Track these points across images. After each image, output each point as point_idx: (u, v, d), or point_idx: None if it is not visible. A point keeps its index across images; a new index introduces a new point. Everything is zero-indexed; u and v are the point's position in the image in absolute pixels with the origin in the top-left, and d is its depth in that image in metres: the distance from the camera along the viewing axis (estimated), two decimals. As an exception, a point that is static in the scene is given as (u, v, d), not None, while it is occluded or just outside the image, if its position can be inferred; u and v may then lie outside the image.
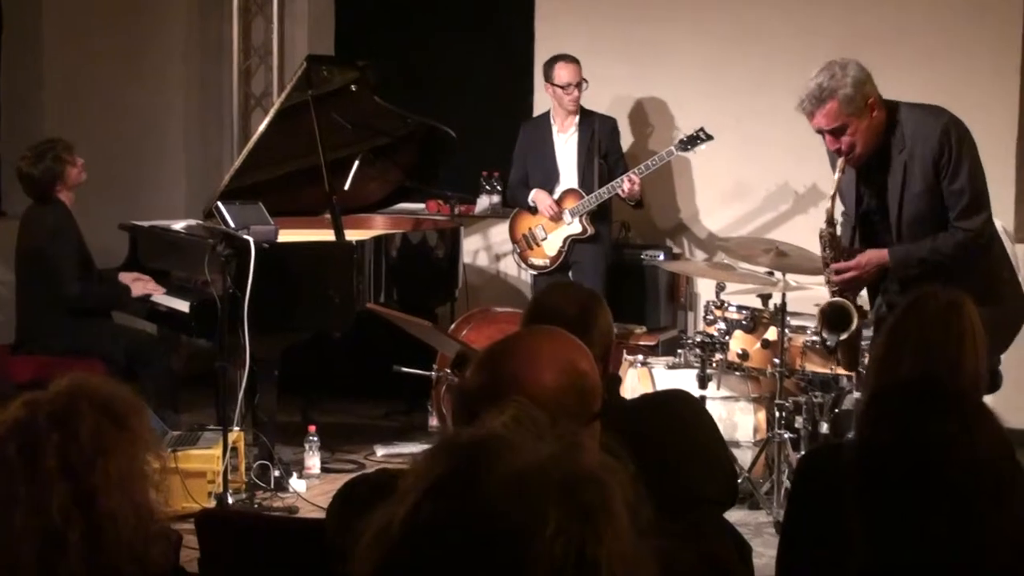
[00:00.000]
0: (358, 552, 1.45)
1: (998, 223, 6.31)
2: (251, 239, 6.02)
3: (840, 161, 4.68)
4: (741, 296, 6.60)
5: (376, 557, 1.42)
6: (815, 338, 6.10)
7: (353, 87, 7.04)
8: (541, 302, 3.19)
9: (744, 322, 6.23)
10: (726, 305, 6.35)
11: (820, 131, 4.66)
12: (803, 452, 5.99)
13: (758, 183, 7.87)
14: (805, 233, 6.93)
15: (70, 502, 2.11)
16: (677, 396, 3.18)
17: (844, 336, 4.89)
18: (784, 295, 6.00)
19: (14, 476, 2.12)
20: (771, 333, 6.13)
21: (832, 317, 4.89)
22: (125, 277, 6.97)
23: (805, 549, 2.84)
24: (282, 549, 3.11)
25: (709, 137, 7.32)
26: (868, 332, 5.22)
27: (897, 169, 4.66)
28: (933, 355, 2.95)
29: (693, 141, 7.34)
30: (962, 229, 4.66)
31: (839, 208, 4.91)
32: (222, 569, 3.14)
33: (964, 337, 3.00)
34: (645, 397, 3.25)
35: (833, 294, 4.89)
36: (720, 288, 6.57)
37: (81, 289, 6.66)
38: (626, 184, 7.26)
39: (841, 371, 6.08)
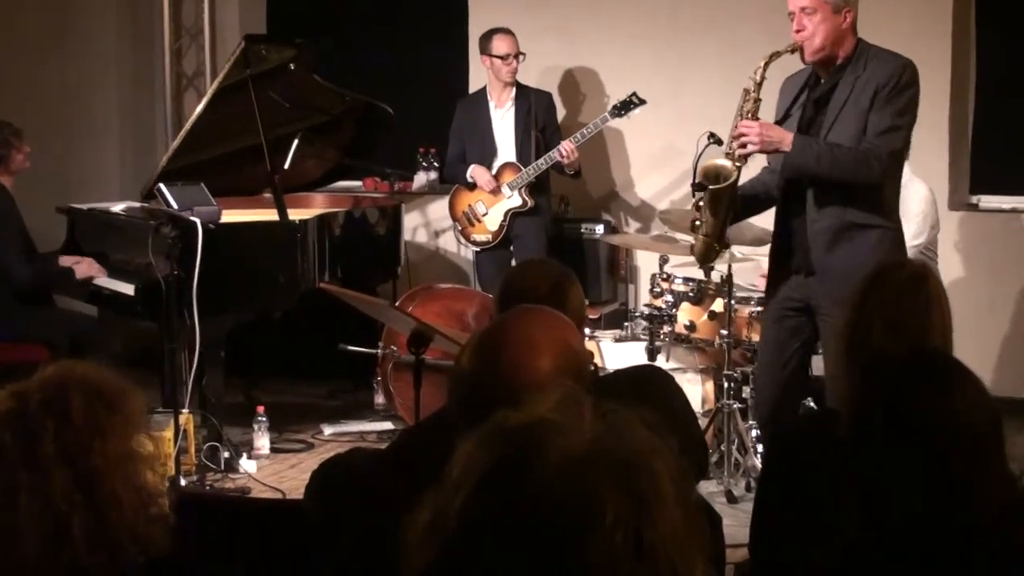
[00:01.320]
0: (409, 544, 1.46)
1: (924, 186, 6.44)
2: (197, 220, 5.98)
3: (793, 40, 4.79)
4: (682, 268, 6.65)
5: (432, 549, 1.42)
6: (759, 309, 6.17)
7: (292, 66, 6.99)
8: (514, 280, 3.21)
9: (691, 294, 6.28)
10: (672, 278, 6.41)
11: (791, 13, 4.80)
12: (751, 422, 6.07)
13: (692, 153, 7.89)
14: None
15: (71, 486, 2.12)
16: (653, 371, 3.22)
17: (714, 186, 4.82)
18: (730, 266, 6.05)
19: (14, 464, 2.12)
20: (717, 304, 6.20)
21: (710, 176, 4.85)
22: (66, 260, 6.88)
23: (783, 518, 2.88)
24: (262, 530, 3.11)
25: (642, 101, 7.34)
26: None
27: (844, 88, 4.80)
28: (903, 323, 3.00)
29: (626, 106, 7.36)
30: (869, 144, 4.73)
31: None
32: (199, 552, 3.13)
33: (931, 304, 3.05)
34: (620, 372, 3.28)
35: (727, 155, 4.86)
36: (664, 260, 6.61)
37: (30, 271, 6.58)
38: (565, 146, 7.27)
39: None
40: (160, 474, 2.25)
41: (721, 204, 4.88)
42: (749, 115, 4.84)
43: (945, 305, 3.08)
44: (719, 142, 4.90)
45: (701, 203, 4.90)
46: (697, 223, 5.00)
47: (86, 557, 2.09)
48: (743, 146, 4.78)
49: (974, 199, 7.65)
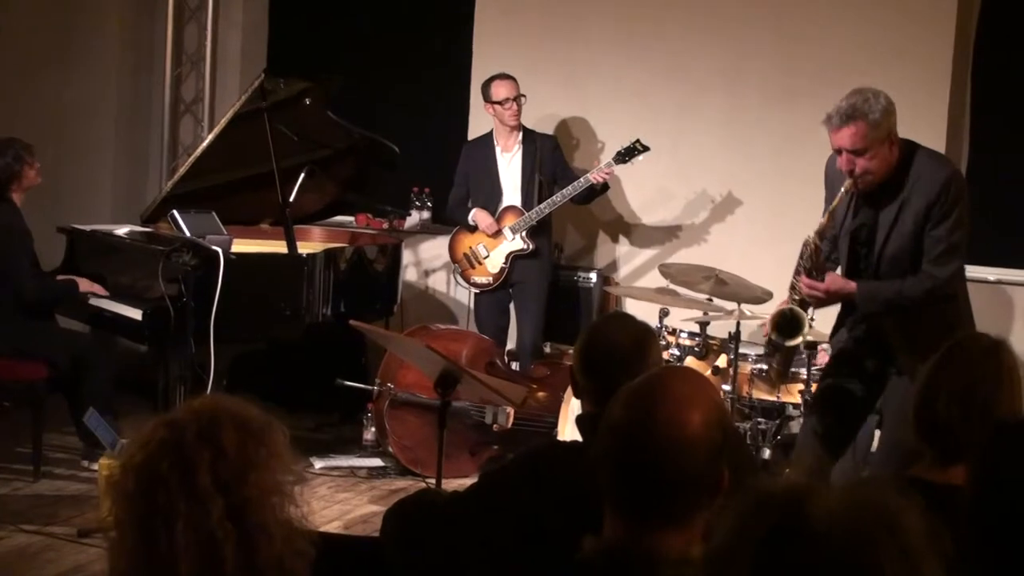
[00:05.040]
0: None
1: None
2: (219, 249, 6.01)
3: (847, 183, 4.79)
4: (686, 323, 6.76)
5: None
6: (762, 366, 6.29)
7: (307, 100, 7.05)
8: (598, 333, 3.28)
9: (696, 348, 6.39)
10: (678, 332, 6.50)
11: (839, 150, 4.78)
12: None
13: (689, 207, 8.03)
14: (736, 257, 7.16)
15: (224, 516, 2.15)
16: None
17: (792, 342, 4.97)
18: (738, 323, 6.17)
19: (172, 492, 2.15)
20: (722, 360, 6.31)
21: (783, 324, 4.97)
22: (65, 279, 6.89)
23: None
24: (337, 568, 3.14)
25: (645, 148, 7.41)
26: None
27: (894, 206, 4.84)
28: (970, 396, 3.07)
29: (630, 152, 7.43)
30: (931, 275, 4.83)
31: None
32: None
33: (1001, 379, 3.11)
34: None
35: (793, 300, 4.98)
36: (664, 313, 6.72)
37: (38, 286, 6.56)
38: (598, 175, 7.37)
39: (787, 399, 6.27)
40: (303, 509, 2.29)
41: (792, 352, 5.11)
42: (813, 272, 4.90)
43: (1016, 380, 3.15)
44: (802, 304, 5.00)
45: (774, 348, 5.08)
46: (768, 355, 5.24)
47: (237, 587, 2.13)
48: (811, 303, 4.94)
49: (960, 269, 7.77)
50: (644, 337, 3.23)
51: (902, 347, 4.89)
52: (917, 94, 7.46)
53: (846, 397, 5.06)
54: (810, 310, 5.11)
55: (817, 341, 5.97)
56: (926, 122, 7.31)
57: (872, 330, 5.00)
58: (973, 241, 7.58)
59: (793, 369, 6.22)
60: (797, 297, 4.98)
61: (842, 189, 4.83)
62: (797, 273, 4.96)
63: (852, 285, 4.89)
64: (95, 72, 8.89)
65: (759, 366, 6.27)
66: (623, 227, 8.26)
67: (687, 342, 6.46)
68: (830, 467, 5.03)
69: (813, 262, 4.90)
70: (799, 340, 4.97)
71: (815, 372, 6.03)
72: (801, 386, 6.12)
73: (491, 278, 7.65)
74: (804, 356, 6.10)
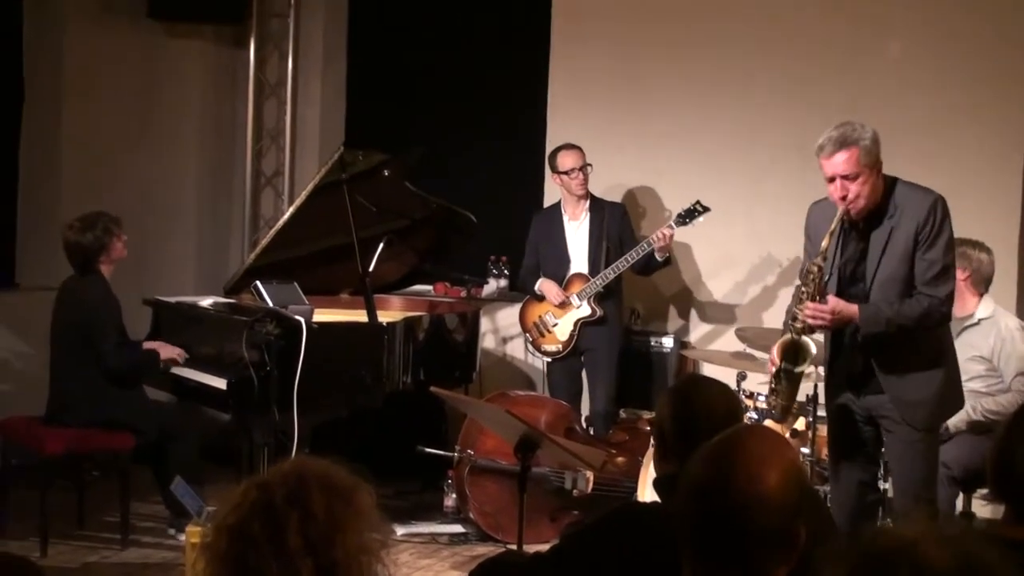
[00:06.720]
0: None
1: (1015, 320, 6.55)
2: (302, 319, 6.12)
3: (840, 211, 5.00)
4: (763, 385, 6.76)
5: None
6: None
7: (386, 172, 7.17)
8: (690, 398, 3.36)
9: (774, 412, 6.37)
10: (756, 395, 6.52)
11: (832, 178, 5.01)
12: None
13: (761, 271, 8.06)
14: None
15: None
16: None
17: (799, 369, 5.10)
18: (816, 385, 6.17)
19: (263, 553, 2.22)
20: (799, 423, 6.31)
21: (790, 353, 5.14)
22: (148, 345, 7.03)
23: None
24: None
25: (706, 209, 7.47)
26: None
27: (883, 233, 5.05)
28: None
29: (691, 214, 7.49)
30: (927, 295, 5.01)
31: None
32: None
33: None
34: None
35: (796, 330, 5.12)
36: (742, 377, 6.75)
37: (120, 354, 6.71)
38: (658, 234, 7.42)
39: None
40: (390, 568, 2.35)
41: (799, 379, 5.20)
42: (816, 296, 5.06)
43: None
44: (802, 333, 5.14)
45: (780, 375, 5.20)
46: (775, 388, 5.30)
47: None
48: (814, 327, 5.08)
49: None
50: (736, 403, 3.34)
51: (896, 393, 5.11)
52: (992, 152, 7.49)
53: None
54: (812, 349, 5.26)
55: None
56: (999, 168, 7.34)
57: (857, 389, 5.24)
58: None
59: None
60: (798, 326, 5.11)
61: (835, 220, 5.02)
62: (799, 301, 5.11)
63: (854, 307, 5.05)
64: (179, 149, 9.12)
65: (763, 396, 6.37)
66: (695, 292, 8.31)
67: (765, 405, 6.47)
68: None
69: (816, 286, 5.05)
70: (806, 366, 5.12)
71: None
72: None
73: (560, 346, 7.71)
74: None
